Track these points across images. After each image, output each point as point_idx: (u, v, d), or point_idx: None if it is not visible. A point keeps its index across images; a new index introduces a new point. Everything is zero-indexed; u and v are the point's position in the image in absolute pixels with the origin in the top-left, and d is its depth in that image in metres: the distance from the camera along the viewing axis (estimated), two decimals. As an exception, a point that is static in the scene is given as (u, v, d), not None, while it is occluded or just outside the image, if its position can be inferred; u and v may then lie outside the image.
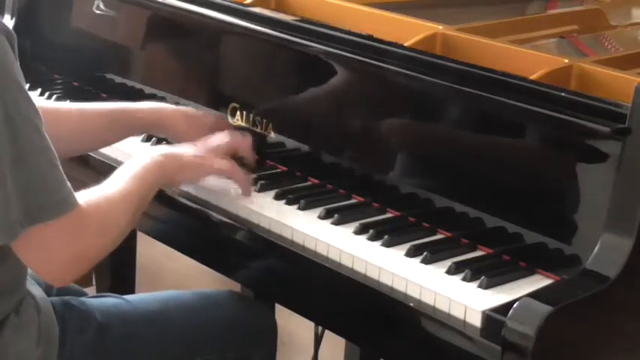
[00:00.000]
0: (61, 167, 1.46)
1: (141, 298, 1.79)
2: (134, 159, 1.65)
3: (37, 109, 1.45)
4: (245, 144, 1.81)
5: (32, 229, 1.43)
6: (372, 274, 1.52)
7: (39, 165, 1.43)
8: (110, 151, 1.93)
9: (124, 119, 1.84)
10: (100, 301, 1.72)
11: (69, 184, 1.47)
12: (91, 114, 1.84)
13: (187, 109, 1.92)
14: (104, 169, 1.86)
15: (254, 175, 1.80)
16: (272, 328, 1.84)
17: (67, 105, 1.93)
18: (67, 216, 1.44)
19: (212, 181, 1.77)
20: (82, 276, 2.46)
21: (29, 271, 1.63)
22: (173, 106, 1.92)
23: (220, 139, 1.77)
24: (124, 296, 1.77)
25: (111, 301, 1.74)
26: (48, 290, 1.68)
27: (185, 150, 1.73)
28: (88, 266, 1.52)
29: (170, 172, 1.68)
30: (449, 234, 1.62)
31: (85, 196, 1.50)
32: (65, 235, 1.45)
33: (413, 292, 1.47)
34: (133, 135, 1.92)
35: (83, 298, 1.73)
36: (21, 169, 1.41)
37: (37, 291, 1.62)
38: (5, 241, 1.44)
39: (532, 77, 1.64)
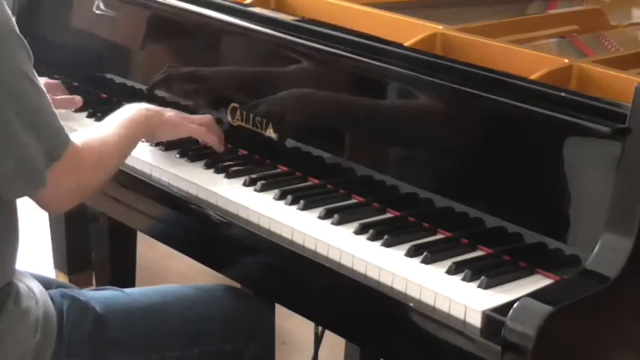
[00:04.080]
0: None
1: (140, 290, 1.80)
2: (123, 108, 1.79)
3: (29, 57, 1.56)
4: (216, 131, 1.91)
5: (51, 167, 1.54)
6: (372, 274, 1.52)
7: (43, 109, 1.54)
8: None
9: None
10: (99, 293, 1.74)
11: None
12: None
13: None
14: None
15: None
16: (270, 322, 1.84)
17: None
18: (70, 151, 1.57)
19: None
20: (82, 276, 2.46)
21: (26, 268, 1.65)
22: None
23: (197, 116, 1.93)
24: (123, 289, 1.78)
25: (110, 293, 1.75)
26: (47, 285, 1.69)
27: (166, 109, 1.87)
28: (83, 198, 1.67)
29: (152, 126, 1.81)
30: (449, 234, 1.62)
31: (81, 136, 1.64)
32: (68, 169, 1.57)
33: (413, 292, 1.47)
34: None
35: (82, 290, 1.74)
36: (31, 118, 1.52)
37: (34, 285, 1.63)
38: (38, 189, 1.55)
39: (532, 77, 1.63)
